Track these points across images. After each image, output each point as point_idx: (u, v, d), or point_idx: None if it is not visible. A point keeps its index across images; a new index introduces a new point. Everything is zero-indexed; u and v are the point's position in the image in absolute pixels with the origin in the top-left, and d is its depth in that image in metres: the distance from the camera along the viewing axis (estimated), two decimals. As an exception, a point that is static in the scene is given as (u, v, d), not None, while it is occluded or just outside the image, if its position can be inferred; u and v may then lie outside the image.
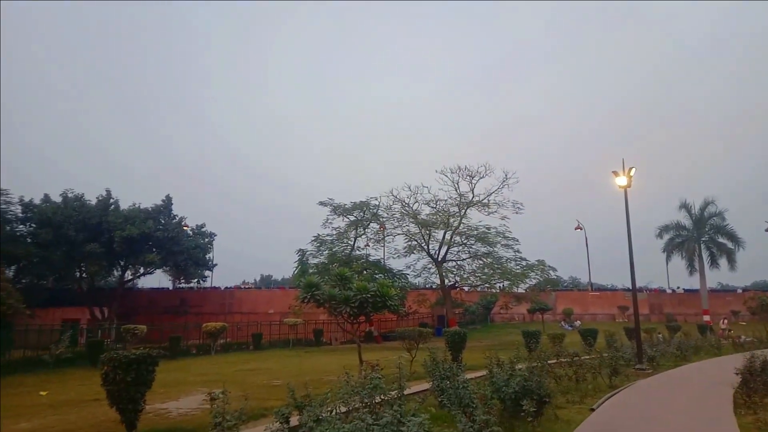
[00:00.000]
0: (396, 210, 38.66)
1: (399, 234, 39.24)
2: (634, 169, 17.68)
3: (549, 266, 36.86)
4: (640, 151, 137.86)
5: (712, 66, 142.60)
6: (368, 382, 7.51)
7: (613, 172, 17.83)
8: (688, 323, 38.73)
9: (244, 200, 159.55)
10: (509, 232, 37.12)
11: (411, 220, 37.67)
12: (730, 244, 47.50)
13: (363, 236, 40.31)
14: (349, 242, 39.95)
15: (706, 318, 44.45)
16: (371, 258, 40.67)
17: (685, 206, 49.66)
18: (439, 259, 37.17)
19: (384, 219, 39.77)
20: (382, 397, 7.33)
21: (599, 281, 72.60)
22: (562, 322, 48.54)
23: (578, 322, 47.90)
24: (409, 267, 39.77)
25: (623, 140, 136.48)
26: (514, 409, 8.20)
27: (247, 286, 68.51)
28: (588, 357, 16.36)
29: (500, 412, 8.14)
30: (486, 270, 36.26)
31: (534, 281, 37.03)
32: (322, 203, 39.88)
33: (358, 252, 40.22)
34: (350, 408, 7.24)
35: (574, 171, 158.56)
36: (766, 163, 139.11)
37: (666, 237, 50.41)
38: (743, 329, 35.79)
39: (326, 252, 39.08)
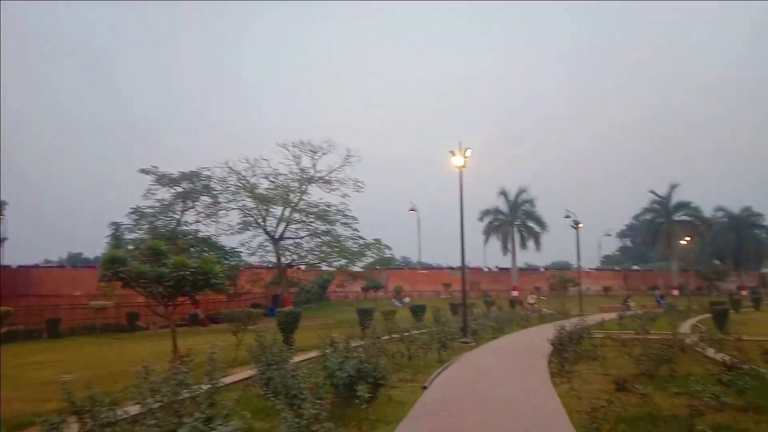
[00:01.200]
0: (231, 183, 35.92)
1: (234, 209, 36.58)
2: (470, 151, 18.32)
3: (384, 245, 37.76)
4: (478, 137, 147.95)
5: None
6: (172, 377, 6.08)
7: (450, 151, 18.24)
8: (501, 299, 42.79)
9: (49, 162, 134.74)
10: (349, 210, 37.05)
11: (247, 194, 35.31)
12: (537, 228, 54.01)
13: (192, 210, 36.78)
14: (175, 216, 36.18)
15: (515, 293, 49.95)
16: (200, 234, 37.34)
17: (503, 193, 55.09)
18: (277, 237, 35.59)
19: (217, 192, 36.70)
20: (190, 393, 5.97)
21: (428, 260, 77.27)
22: (393, 299, 50.43)
23: (407, 298, 50.18)
24: (244, 245, 37.40)
25: (464, 127, 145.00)
26: (348, 396, 7.42)
27: (48, 265, 58.92)
28: (418, 332, 16.63)
29: (333, 401, 7.28)
30: (324, 248, 35.76)
31: (370, 260, 37.61)
32: (144, 170, 35.36)
33: (185, 228, 36.62)
34: (147, 410, 5.76)
35: (412, 152, 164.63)
36: (569, 147, 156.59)
37: (486, 220, 55.57)
38: (544, 303, 40.76)
39: (146, 226, 34.86)
